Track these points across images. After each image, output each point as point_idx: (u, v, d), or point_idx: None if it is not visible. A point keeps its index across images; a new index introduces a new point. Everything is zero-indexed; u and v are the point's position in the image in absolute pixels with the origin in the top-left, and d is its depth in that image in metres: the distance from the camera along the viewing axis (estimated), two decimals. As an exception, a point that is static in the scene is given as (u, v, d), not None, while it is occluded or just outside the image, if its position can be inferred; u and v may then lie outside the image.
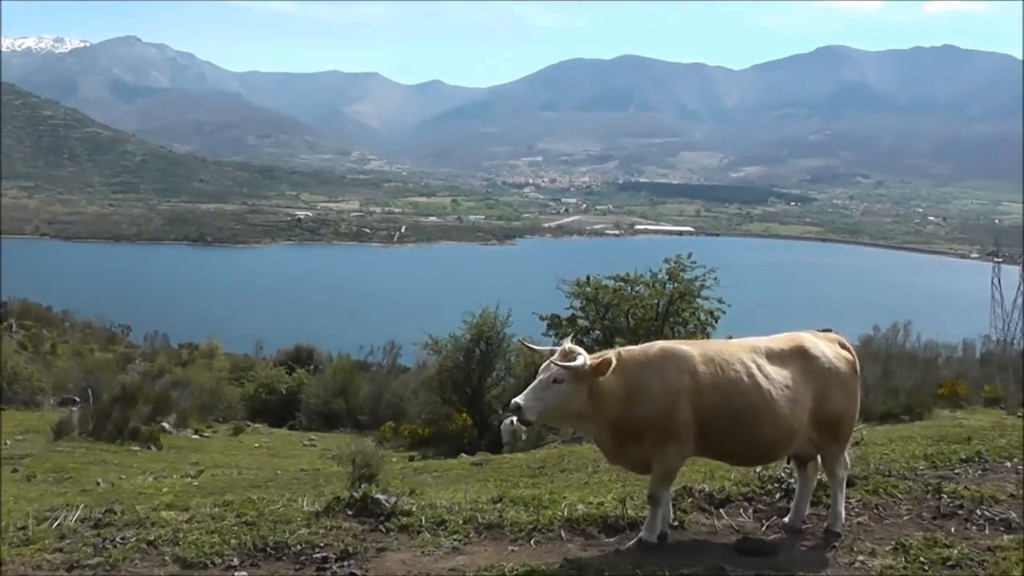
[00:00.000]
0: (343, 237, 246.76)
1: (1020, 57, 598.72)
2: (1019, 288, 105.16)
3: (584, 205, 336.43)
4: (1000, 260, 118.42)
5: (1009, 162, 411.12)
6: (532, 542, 8.72)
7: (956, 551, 8.36)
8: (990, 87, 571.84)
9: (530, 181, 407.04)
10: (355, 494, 9.55)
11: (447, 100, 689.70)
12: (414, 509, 9.35)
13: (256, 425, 37.43)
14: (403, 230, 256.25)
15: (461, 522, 9.08)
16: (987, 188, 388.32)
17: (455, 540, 8.68)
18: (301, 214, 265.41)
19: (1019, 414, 29.61)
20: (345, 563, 8.17)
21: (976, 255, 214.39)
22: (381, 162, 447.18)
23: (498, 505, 9.82)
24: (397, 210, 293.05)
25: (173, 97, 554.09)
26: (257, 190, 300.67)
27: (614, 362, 8.20)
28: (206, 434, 33.52)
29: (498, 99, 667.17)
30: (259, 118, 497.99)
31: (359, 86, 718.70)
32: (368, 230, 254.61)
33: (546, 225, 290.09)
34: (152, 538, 8.59)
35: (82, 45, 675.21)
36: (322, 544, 8.46)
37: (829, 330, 9.72)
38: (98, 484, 20.72)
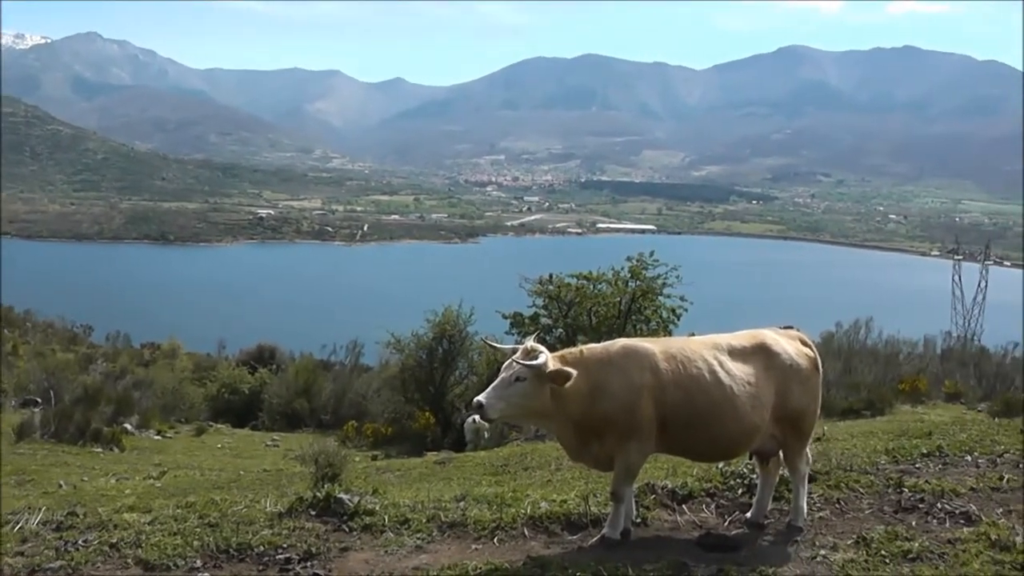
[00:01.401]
0: (305, 235, 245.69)
1: (979, 58, 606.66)
2: (979, 285, 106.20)
3: (546, 203, 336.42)
4: (961, 257, 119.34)
5: (969, 161, 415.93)
6: (495, 540, 8.72)
7: (917, 544, 8.44)
8: (950, 87, 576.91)
9: (492, 179, 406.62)
10: (318, 494, 9.53)
11: (409, 98, 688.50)
12: (377, 508, 9.33)
13: (219, 425, 37.23)
14: (365, 228, 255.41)
15: (424, 521, 9.07)
16: (947, 187, 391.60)
17: (418, 539, 8.67)
18: (263, 212, 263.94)
19: (979, 409, 29.87)
20: (308, 564, 8.15)
21: (937, 253, 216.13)
22: (343, 160, 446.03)
23: (461, 503, 9.83)
24: (359, 208, 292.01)
25: (135, 94, 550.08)
26: (219, 188, 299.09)
27: (572, 376, 8.19)
28: (168, 435, 33.33)
29: (460, 97, 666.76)
30: (221, 116, 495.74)
31: (321, 84, 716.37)
32: (330, 228, 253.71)
33: (508, 223, 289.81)
34: (114, 541, 8.52)
35: (43, 42, 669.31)
36: (285, 545, 8.44)
37: (791, 327, 9.77)
38: (60, 486, 20.57)
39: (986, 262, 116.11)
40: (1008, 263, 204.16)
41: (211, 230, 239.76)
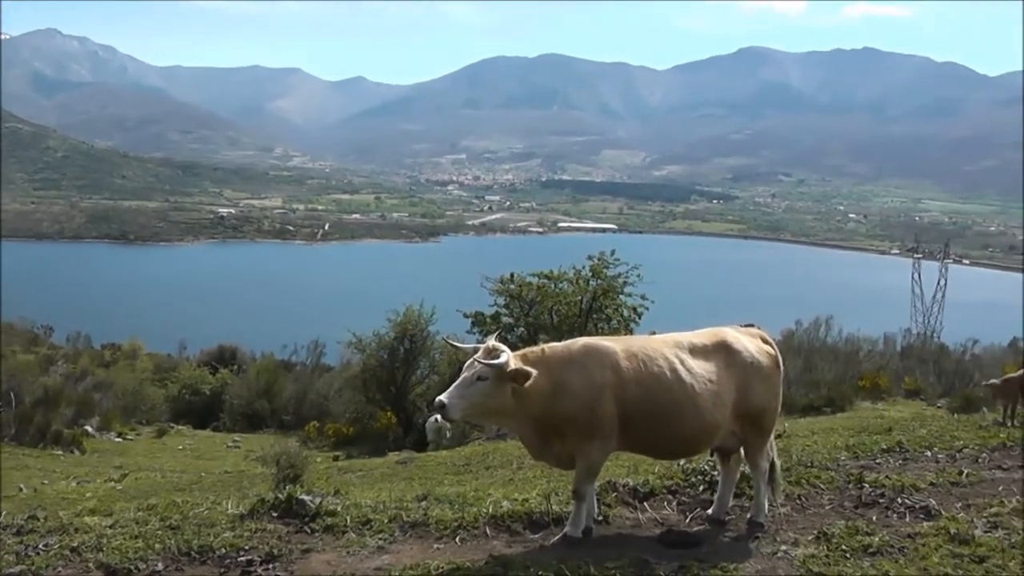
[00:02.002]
0: (266, 235, 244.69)
1: (938, 60, 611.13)
2: (939, 283, 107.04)
3: (507, 203, 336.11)
4: (920, 256, 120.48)
5: (928, 161, 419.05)
6: (457, 540, 8.72)
7: (877, 538, 8.50)
8: (909, 88, 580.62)
9: (453, 179, 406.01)
10: (280, 495, 9.50)
11: (370, 97, 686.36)
12: (339, 509, 9.31)
13: (180, 427, 37.17)
14: (326, 227, 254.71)
15: (386, 521, 9.06)
16: (907, 186, 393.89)
17: (380, 539, 8.65)
18: (224, 211, 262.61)
19: (939, 405, 30.12)
20: (270, 566, 8.12)
21: (896, 251, 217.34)
22: (304, 159, 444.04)
23: (423, 503, 9.83)
24: (320, 207, 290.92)
25: (94, 91, 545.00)
26: (179, 187, 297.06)
27: (533, 376, 8.20)
28: (129, 437, 33.25)
29: (421, 96, 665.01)
30: (181, 113, 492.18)
31: (281, 82, 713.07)
32: (291, 228, 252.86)
33: (470, 223, 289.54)
34: (75, 544, 8.46)
35: (3, 37, 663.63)
36: (247, 547, 8.40)
37: (751, 325, 9.81)
38: (20, 490, 20.51)
39: (945, 260, 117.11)
40: (967, 261, 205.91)
41: (172, 229, 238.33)
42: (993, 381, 20.52)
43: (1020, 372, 19.41)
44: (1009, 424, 17.02)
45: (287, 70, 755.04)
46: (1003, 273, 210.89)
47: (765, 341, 9.46)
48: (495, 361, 8.14)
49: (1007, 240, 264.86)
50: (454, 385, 8.26)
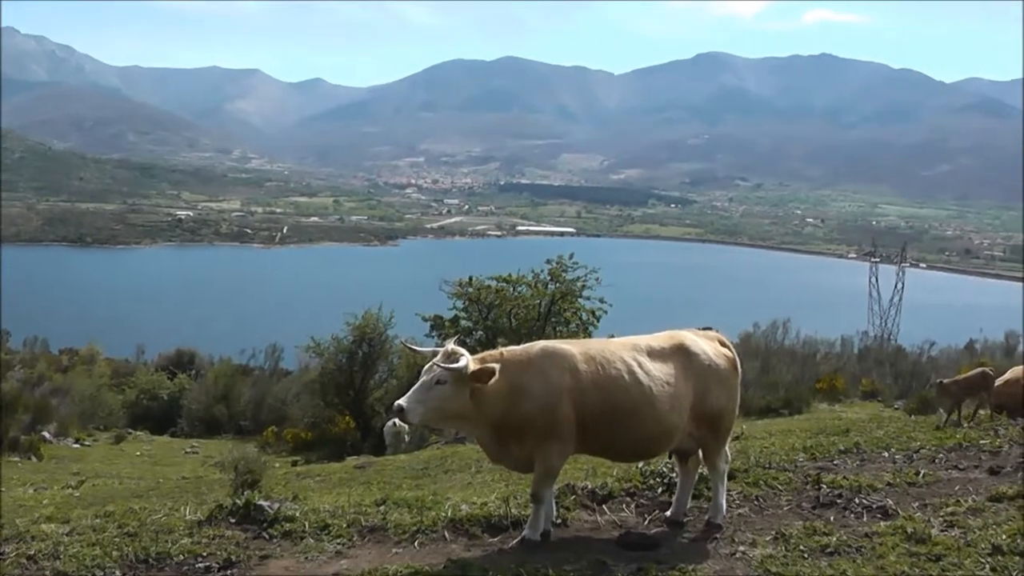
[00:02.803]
0: (224, 237, 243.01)
1: (894, 66, 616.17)
2: (896, 286, 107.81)
3: (466, 206, 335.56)
4: (877, 260, 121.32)
5: (885, 166, 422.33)
6: (416, 544, 8.69)
7: (835, 538, 8.57)
8: (865, 94, 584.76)
9: (412, 182, 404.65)
10: (238, 501, 9.43)
11: (328, 99, 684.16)
12: (297, 515, 9.26)
13: (137, 432, 36.97)
14: (285, 230, 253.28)
15: (344, 526, 9.02)
16: (864, 191, 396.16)
17: (339, 544, 8.62)
18: (182, 214, 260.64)
19: (896, 406, 30.41)
20: (228, 572, 8.08)
21: (854, 255, 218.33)
22: (262, 161, 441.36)
23: (381, 508, 9.81)
24: (278, 210, 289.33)
25: (51, 92, 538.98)
26: (137, 189, 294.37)
27: (496, 373, 8.22)
28: (87, 443, 33.06)
29: (379, 99, 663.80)
30: (139, 114, 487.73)
31: (240, 83, 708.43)
32: (249, 230, 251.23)
33: (428, 226, 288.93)
34: (32, 552, 8.38)
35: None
36: (205, 553, 8.34)
37: (709, 328, 9.92)
38: (-24, 498, 20.32)
39: (902, 264, 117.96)
40: (924, 265, 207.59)
41: (129, 232, 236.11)
42: (940, 380, 20.72)
43: (968, 374, 19.63)
44: (965, 425, 17.17)
45: (246, 71, 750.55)
46: (959, 277, 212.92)
47: (723, 344, 9.53)
48: (454, 365, 8.15)
49: (963, 244, 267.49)
50: (413, 389, 8.26)
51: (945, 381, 20.22)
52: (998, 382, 18.72)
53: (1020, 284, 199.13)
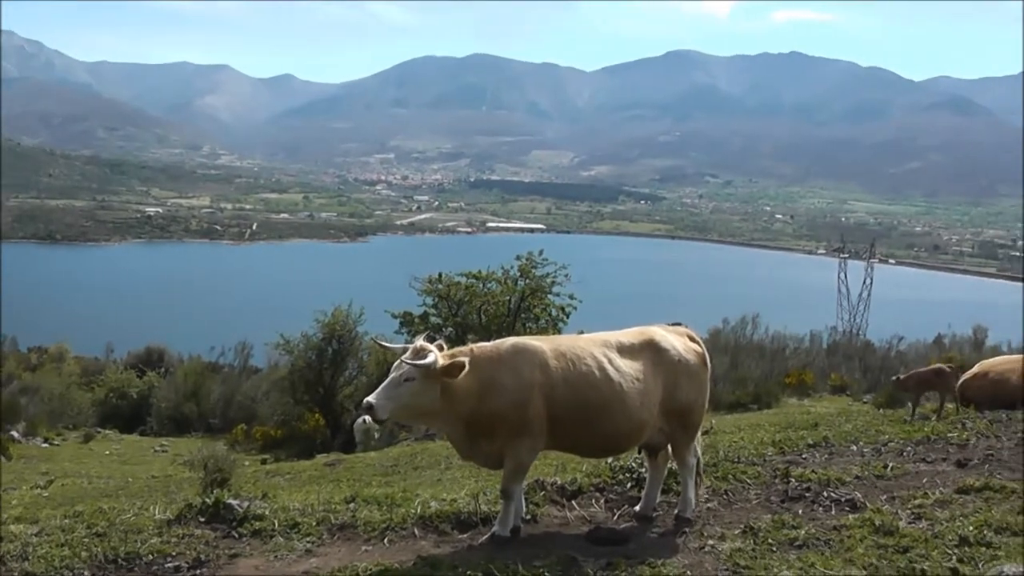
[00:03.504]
0: (194, 234, 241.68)
1: (863, 64, 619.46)
2: (865, 282, 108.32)
3: (436, 202, 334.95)
4: (846, 256, 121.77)
5: (854, 164, 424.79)
6: (386, 541, 8.70)
7: (803, 531, 8.61)
8: (835, 92, 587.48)
9: (382, 178, 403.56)
10: (207, 500, 9.40)
11: (298, 95, 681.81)
12: (267, 513, 9.24)
13: (107, 431, 36.77)
14: (254, 227, 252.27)
15: (314, 524, 9.01)
16: (833, 188, 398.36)
17: (308, 542, 8.61)
18: (151, 211, 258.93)
19: (865, 400, 30.59)
20: (198, 571, 8.05)
21: (823, 251, 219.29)
22: (232, 157, 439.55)
23: (351, 505, 9.79)
24: (248, 207, 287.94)
25: (21, 87, 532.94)
26: (107, 185, 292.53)
27: (466, 367, 8.22)
28: (56, 442, 32.90)
29: (350, 95, 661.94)
30: (108, 110, 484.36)
31: (209, 78, 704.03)
32: (219, 227, 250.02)
33: (398, 222, 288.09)
34: (0, 554, 8.34)
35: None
36: (174, 553, 8.31)
37: (679, 323, 9.92)
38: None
39: (871, 260, 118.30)
40: (893, 261, 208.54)
41: (99, 229, 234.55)
42: (897, 376, 20.87)
43: (922, 369, 19.78)
44: (933, 418, 17.28)
45: (215, 66, 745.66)
46: (928, 272, 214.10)
47: (692, 339, 9.56)
48: (422, 361, 8.14)
49: (932, 240, 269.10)
50: (382, 386, 8.24)
51: (902, 376, 20.39)
52: (965, 376, 18.86)
53: (986, 279, 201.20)
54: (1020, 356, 20.43)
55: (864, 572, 7.66)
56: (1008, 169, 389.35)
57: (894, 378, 20.86)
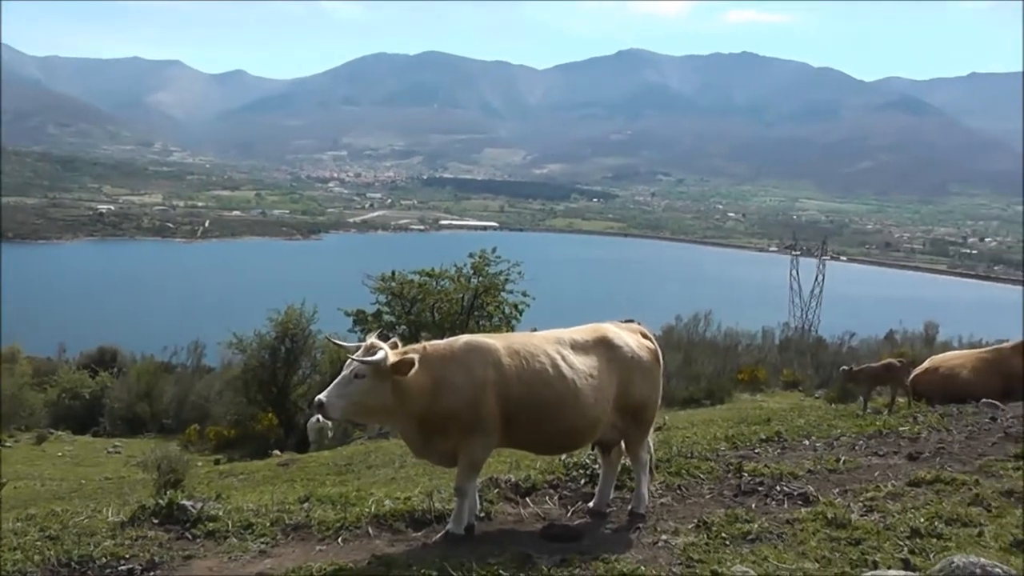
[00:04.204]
0: (146, 232, 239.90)
1: (815, 65, 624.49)
2: (816, 279, 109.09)
3: (389, 200, 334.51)
4: (798, 253, 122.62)
5: (806, 163, 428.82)
6: (340, 540, 8.66)
7: (756, 525, 8.67)
8: (786, 92, 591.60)
9: (334, 175, 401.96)
10: (160, 502, 9.32)
11: (250, 91, 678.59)
12: (220, 514, 9.18)
13: (59, 432, 36.47)
14: (207, 225, 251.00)
15: (268, 524, 8.97)
16: (785, 186, 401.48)
17: (262, 543, 8.56)
18: (103, 208, 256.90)
19: (817, 396, 30.86)
20: (151, 574, 7.97)
21: (775, 249, 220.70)
22: (184, 154, 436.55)
23: (305, 505, 9.77)
24: (200, 204, 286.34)
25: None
26: (58, 182, 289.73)
27: (416, 364, 8.21)
28: (8, 444, 32.68)
29: (302, 91, 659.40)
30: (59, 106, 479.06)
31: (161, 74, 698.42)
32: (171, 225, 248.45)
33: (351, 220, 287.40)
34: (-48, 559, 8.22)
35: None
36: (128, 556, 8.22)
37: (631, 320, 9.93)
38: None
39: (823, 257, 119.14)
40: (844, 258, 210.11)
41: (50, 226, 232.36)
42: (848, 367, 21.05)
43: (873, 364, 19.97)
44: (885, 412, 17.44)
45: (167, 62, 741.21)
46: (880, 269, 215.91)
47: (645, 336, 9.58)
48: (371, 358, 8.12)
49: (883, 238, 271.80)
50: (333, 384, 8.23)
51: (853, 368, 20.57)
52: (917, 371, 19.09)
53: (938, 276, 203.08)
54: (970, 351, 20.69)
55: (817, 564, 7.72)
56: (959, 168, 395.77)
57: (844, 368, 21.03)
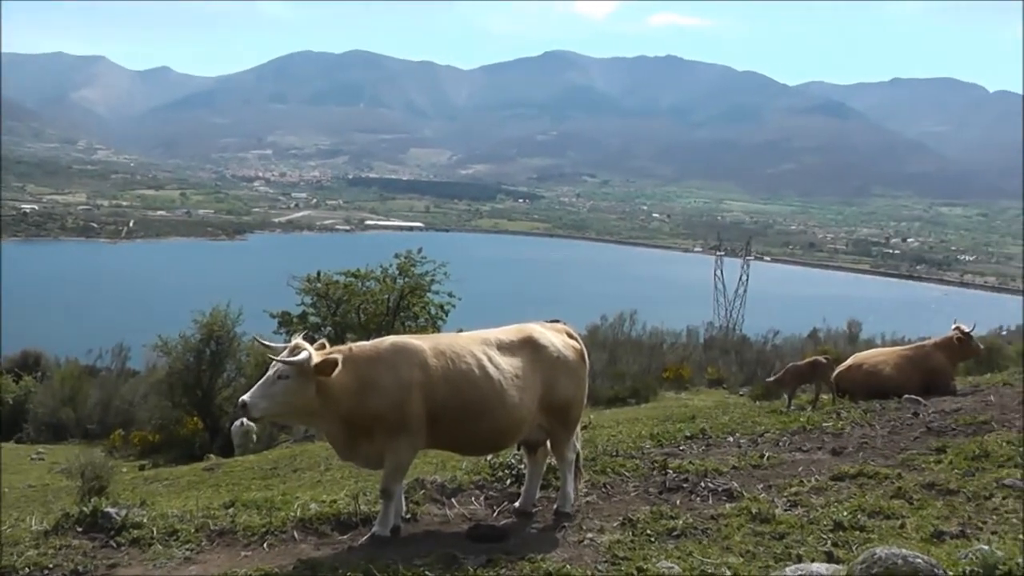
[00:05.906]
0: (70, 232, 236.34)
1: (739, 68, 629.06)
2: (741, 279, 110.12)
3: (314, 200, 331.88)
4: (723, 253, 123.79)
5: (730, 164, 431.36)
6: (265, 545, 8.65)
7: (681, 521, 8.78)
8: (711, 95, 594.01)
9: (260, 175, 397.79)
10: (84, 509, 9.21)
11: (175, 88, 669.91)
12: (145, 521, 9.10)
13: (-18, 440, 35.96)
14: (131, 225, 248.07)
15: (193, 531, 8.92)
16: (709, 188, 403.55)
17: (187, 550, 8.52)
18: (27, 207, 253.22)
19: (741, 393, 31.11)
20: (76, 584, 7.93)
21: (699, 249, 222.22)
22: (108, 152, 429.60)
23: (230, 510, 9.74)
24: (125, 203, 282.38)
25: None
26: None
27: (339, 364, 8.23)
28: (-71, 453, 32.11)
29: (227, 89, 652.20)
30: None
31: (85, 70, 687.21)
32: (95, 225, 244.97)
33: (276, 220, 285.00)
34: None
35: None
36: (51, 565, 8.14)
37: (557, 321, 10.00)
38: None
39: (747, 257, 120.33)
40: (768, 258, 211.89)
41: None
42: (772, 376, 21.25)
43: (799, 363, 20.20)
44: (809, 409, 17.64)
45: (91, 58, 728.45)
46: (803, 269, 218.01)
47: (570, 336, 9.67)
48: (294, 358, 8.15)
49: (807, 238, 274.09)
50: (257, 385, 8.26)
51: (777, 375, 20.76)
52: (840, 368, 19.31)
53: (861, 276, 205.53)
54: (893, 348, 20.99)
55: (741, 559, 7.81)
56: (881, 170, 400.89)
57: (769, 379, 21.19)
